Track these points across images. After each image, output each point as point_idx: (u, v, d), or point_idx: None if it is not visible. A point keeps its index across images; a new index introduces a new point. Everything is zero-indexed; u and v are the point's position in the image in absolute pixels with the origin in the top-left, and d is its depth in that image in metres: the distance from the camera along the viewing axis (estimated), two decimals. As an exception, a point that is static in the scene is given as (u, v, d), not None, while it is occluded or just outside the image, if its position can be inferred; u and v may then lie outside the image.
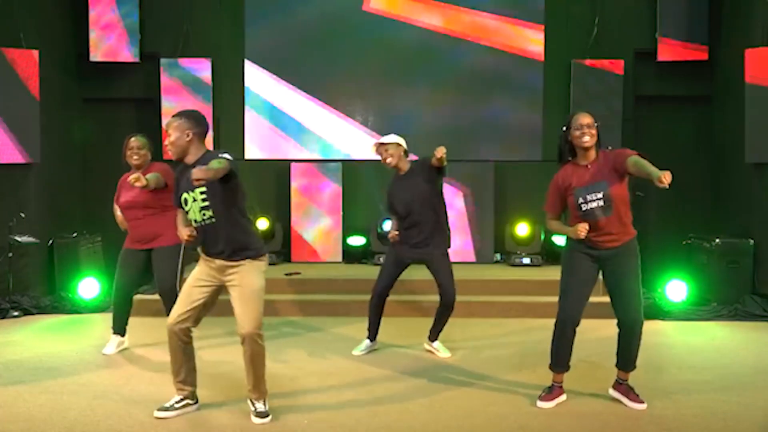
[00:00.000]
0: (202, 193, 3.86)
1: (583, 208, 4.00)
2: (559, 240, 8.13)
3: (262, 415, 3.97)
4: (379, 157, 5.31)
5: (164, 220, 5.13)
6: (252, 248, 3.97)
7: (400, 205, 5.23)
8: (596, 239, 4.06)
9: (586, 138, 4.02)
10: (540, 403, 4.22)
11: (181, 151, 3.91)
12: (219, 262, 3.94)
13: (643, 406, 4.18)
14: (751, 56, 6.98)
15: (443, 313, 5.32)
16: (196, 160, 3.89)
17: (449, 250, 5.29)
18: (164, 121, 8.17)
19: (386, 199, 5.40)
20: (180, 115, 3.96)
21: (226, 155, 3.77)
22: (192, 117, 3.95)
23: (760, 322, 6.61)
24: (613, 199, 3.99)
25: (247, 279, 3.92)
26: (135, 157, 5.26)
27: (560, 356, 4.25)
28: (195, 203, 3.90)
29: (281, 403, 4.24)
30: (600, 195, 3.98)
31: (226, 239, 3.90)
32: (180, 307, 3.96)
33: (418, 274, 5.49)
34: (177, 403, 4.08)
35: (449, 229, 5.33)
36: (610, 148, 4.18)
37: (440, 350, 5.43)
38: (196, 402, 4.15)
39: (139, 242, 5.28)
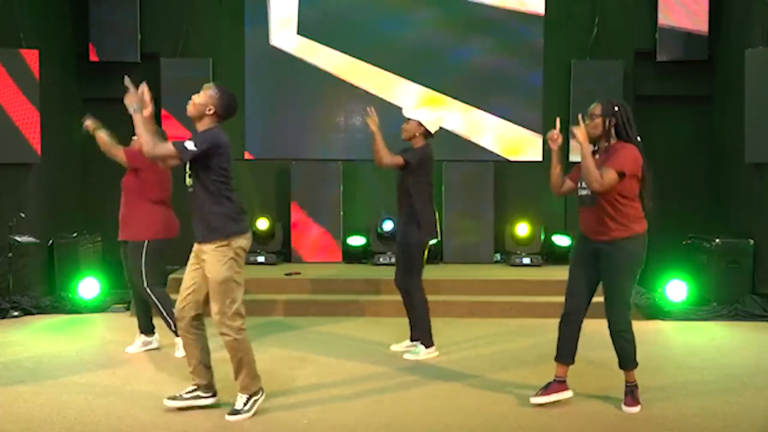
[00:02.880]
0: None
1: (580, 193, 4.05)
2: (560, 240, 8.15)
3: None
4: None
5: (137, 211, 5.06)
6: (218, 230, 3.83)
7: None
8: (587, 229, 4.06)
9: (589, 128, 4.00)
10: (533, 399, 4.17)
11: (197, 116, 3.88)
12: (196, 245, 3.95)
13: (634, 410, 4.11)
14: (751, 56, 6.98)
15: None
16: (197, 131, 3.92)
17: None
18: (166, 122, 8.20)
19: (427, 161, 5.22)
20: (219, 89, 3.90)
21: (188, 143, 3.73)
22: (225, 98, 3.90)
23: (760, 322, 6.60)
24: (597, 193, 3.89)
25: (212, 269, 3.83)
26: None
27: (560, 346, 4.19)
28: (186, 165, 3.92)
29: (281, 403, 4.23)
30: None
31: (199, 215, 3.87)
32: (179, 299, 3.95)
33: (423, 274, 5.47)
34: (186, 393, 4.08)
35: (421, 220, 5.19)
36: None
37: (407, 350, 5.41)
38: (212, 395, 4.12)
39: (119, 228, 5.21)
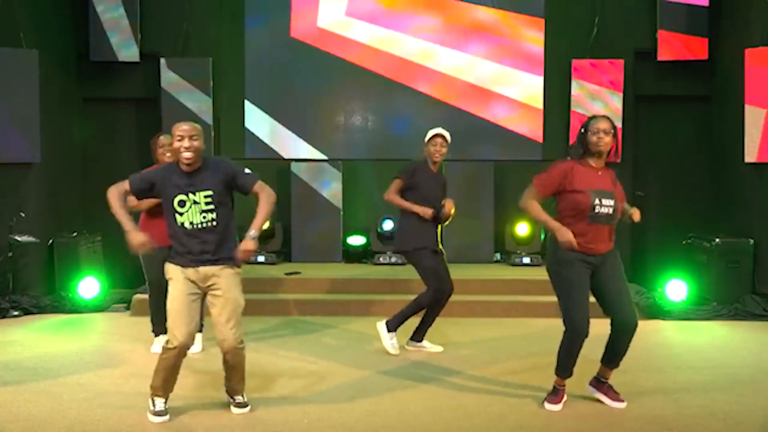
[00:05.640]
0: (207, 197, 3.87)
1: (596, 210, 3.99)
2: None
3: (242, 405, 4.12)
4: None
5: None
6: (233, 254, 3.95)
7: (430, 197, 5.34)
8: (593, 246, 4.03)
9: (601, 144, 4.02)
10: (548, 405, 4.16)
11: (199, 159, 3.90)
12: (203, 269, 3.89)
13: (623, 405, 4.17)
14: (751, 56, 6.98)
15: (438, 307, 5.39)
16: (200, 166, 3.91)
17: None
18: (166, 122, 8.18)
19: (409, 182, 5.36)
20: (196, 123, 3.97)
21: (248, 171, 4.01)
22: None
23: (760, 321, 6.61)
24: (617, 212, 4.06)
25: (232, 290, 3.93)
26: (168, 154, 5.24)
27: (569, 365, 4.18)
28: (196, 206, 3.87)
29: (281, 403, 4.24)
30: (612, 204, 4.01)
31: (217, 243, 3.90)
32: (187, 326, 3.86)
33: (415, 273, 5.48)
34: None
35: None
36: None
37: (430, 346, 5.46)
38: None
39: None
